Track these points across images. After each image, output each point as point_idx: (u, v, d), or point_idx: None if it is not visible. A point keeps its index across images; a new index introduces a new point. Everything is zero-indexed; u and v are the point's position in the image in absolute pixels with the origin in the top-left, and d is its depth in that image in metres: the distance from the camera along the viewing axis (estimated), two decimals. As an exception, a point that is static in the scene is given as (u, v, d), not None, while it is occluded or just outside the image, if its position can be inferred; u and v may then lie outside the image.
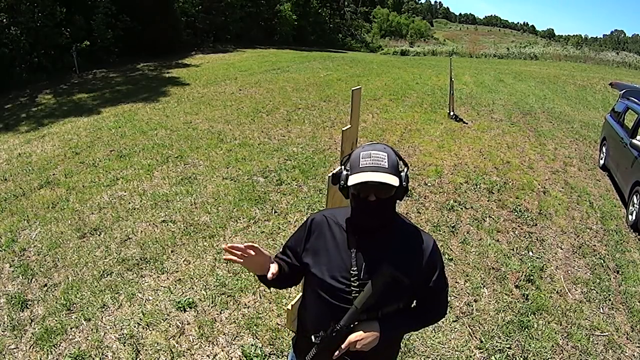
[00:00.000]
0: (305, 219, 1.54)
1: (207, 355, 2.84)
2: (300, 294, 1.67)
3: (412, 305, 1.51)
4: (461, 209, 5.12)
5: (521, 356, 2.97)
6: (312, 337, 1.36)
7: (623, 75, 20.08)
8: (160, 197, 5.12)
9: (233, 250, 1.32)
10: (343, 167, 1.42)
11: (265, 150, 6.81)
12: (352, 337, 1.34)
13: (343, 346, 1.35)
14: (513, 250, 4.34)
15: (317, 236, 1.45)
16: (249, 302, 3.33)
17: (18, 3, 13.16)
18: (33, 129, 8.72)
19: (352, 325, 1.35)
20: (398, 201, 1.42)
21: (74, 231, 4.38)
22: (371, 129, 8.21)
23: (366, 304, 1.33)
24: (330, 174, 1.47)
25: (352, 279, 1.36)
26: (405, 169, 1.40)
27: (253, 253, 1.34)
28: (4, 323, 3.13)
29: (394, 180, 1.29)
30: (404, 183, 1.36)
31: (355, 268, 1.36)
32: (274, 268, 1.39)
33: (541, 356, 2.99)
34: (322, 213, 1.51)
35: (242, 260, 1.34)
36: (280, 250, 1.58)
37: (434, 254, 1.44)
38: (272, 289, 1.65)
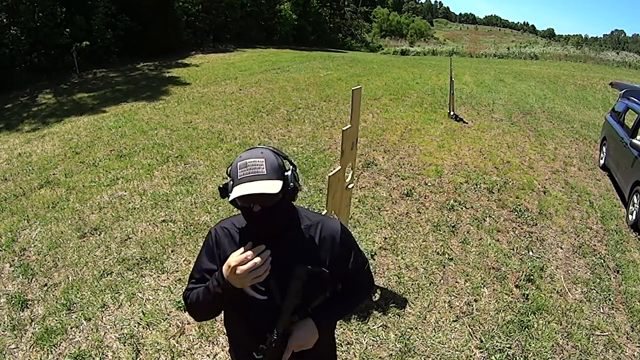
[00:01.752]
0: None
1: (207, 355, 2.84)
2: None
3: (339, 289, 1.49)
4: (461, 208, 5.12)
5: (521, 356, 2.97)
6: (254, 353, 1.32)
7: (623, 75, 20.09)
8: (161, 197, 5.12)
9: None
10: (229, 177, 1.35)
11: (265, 150, 6.79)
12: (292, 345, 1.32)
13: (287, 355, 1.33)
14: (513, 250, 4.34)
15: (224, 250, 1.39)
16: (249, 301, 3.33)
17: (18, 3, 13.15)
18: (33, 128, 8.72)
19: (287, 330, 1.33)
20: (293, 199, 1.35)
21: (74, 231, 4.38)
22: (371, 129, 8.21)
23: (293, 306, 1.31)
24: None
25: (271, 286, 1.33)
26: (292, 168, 1.35)
27: None
28: (4, 323, 3.13)
29: (273, 187, 1.23)
30: (290, 184, 1.30)
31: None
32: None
33: (541, 356, 2.99)
34: (221, 225, 1.45)
35: None
36: (193, 280, 1.44)
37: (344, 237, 1.43)
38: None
